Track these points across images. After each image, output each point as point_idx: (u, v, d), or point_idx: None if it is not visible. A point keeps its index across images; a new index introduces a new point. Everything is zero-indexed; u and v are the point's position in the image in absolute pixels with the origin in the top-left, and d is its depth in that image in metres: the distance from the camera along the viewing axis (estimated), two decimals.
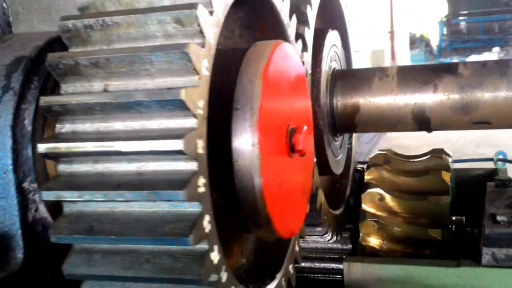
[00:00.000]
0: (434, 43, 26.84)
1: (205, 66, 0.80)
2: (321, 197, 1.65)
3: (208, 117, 0.82)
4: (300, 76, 1.18)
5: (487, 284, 1.55)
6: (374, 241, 1.90)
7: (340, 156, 1.94)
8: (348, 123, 1.81)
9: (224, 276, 0.86)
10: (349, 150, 2.19)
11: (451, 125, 1.73)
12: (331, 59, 1.84)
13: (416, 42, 25.34)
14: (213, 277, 0.84)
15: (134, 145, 0.78)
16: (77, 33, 0.84)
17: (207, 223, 0.79)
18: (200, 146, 0.78)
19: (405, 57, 18.25)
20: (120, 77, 0.81)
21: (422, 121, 1.74)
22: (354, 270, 1.69)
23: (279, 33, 1.32)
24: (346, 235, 2.03)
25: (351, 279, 1.69)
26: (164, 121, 0.79)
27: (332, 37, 1.83)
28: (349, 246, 2.01)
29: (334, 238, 1.89)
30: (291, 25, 1.36)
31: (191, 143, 0.76)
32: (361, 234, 1.94)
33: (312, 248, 2.11)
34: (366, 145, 7.89)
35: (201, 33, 0.79)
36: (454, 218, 1.95)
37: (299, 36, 1.48)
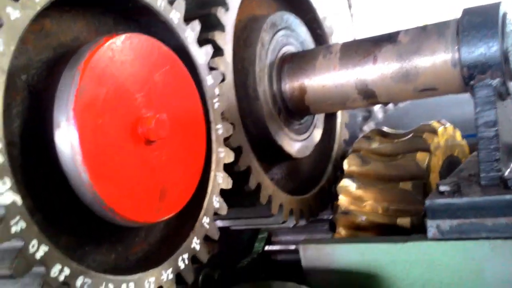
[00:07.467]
0: None
1: None
2: (258, 179, 1.63)
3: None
4: (168, 71, 1.21)
5: (434, 258, 1.47)
6: (344, 233, 1.85)
7: (305, 140, 1.92)
8: (299, 105, 1.79)
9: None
10: (330, 132, 2.16)
11: (397, 96, 1.66)
12: (281, 44, 1.82)
13: None
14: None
15: None
16: None
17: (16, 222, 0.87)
18: None
19: None
20: None
21: (368, 95, 1.68)
22: (309, 252, 1.67)
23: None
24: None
25: (307, 261, 1.67)
26: None
27: (276, 22, 1.80)
28: None
29: (302, 223, 1.89)
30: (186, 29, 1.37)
31: None
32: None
33: None
34: None
35: None
36: None
37: (209, 41, 1.47)
